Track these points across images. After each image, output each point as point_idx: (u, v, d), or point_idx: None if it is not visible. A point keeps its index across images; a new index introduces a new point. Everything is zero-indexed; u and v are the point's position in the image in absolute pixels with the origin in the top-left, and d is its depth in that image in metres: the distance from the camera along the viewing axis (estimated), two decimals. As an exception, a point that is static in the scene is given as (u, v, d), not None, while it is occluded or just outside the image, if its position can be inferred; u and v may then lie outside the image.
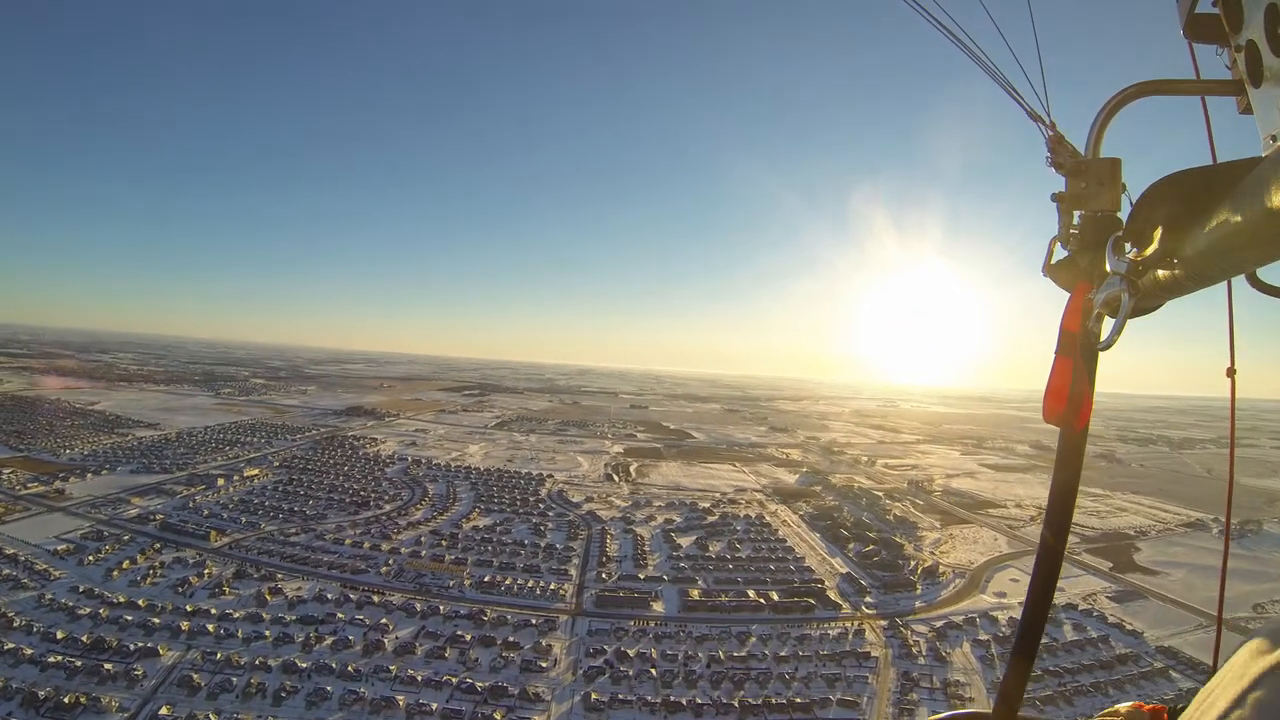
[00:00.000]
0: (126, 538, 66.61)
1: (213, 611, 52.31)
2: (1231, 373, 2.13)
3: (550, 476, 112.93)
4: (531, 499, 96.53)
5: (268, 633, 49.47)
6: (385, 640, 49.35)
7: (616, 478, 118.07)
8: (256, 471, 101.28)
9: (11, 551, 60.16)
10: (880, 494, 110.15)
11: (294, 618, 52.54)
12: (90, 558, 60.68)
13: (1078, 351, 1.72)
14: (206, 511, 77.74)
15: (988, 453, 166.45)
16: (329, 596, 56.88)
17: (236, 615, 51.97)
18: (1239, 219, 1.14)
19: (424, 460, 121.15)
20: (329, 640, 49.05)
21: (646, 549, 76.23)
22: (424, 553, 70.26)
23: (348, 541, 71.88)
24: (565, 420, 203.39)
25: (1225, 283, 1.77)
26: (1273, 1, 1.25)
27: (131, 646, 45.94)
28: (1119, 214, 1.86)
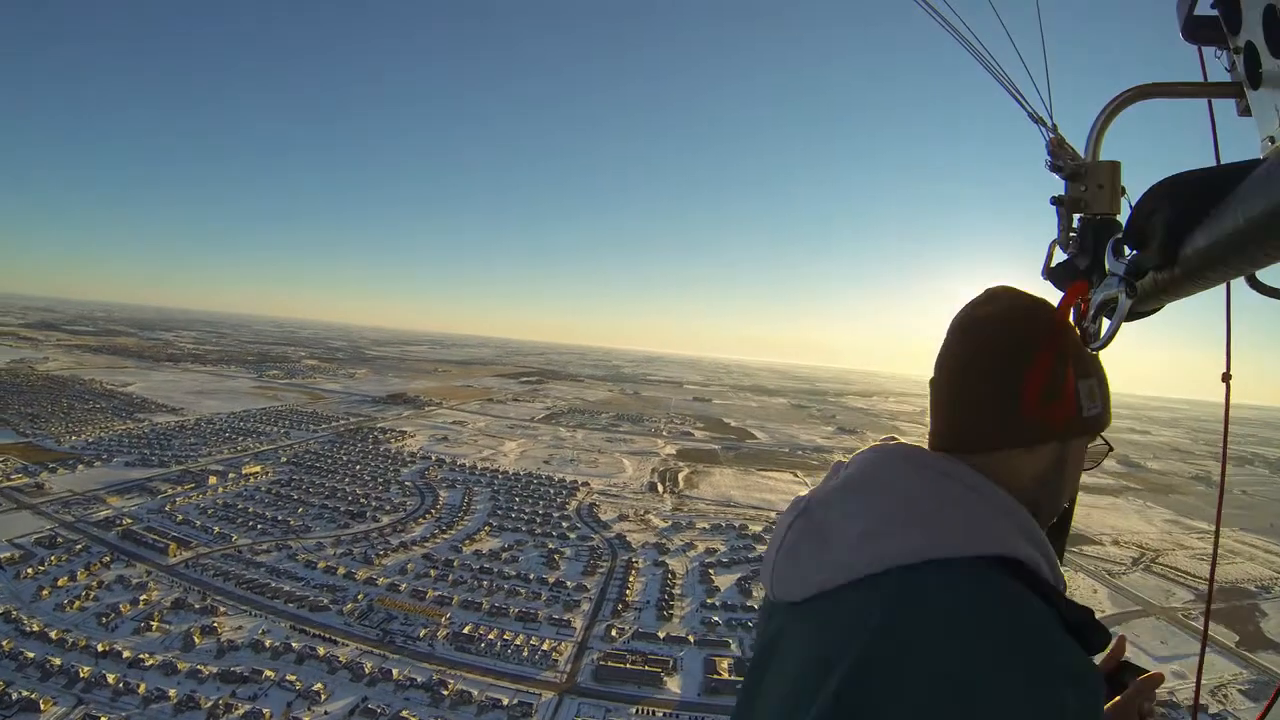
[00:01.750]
0: (80, 546, 66.39)
1: (126, 655, 48.95)
2: (1227, 377, 2.26)
3: (585, 484, 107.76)
4: (555, 515, 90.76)
5: (173, 691, 44.97)
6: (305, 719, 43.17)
7: (661, 488, 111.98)
8: (257, 469, 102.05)
9: (-49, 557, 60.94)
10: None
11: (214, 671, 47.94)
12: (30, 570, 60.32)
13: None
14: (180, 517, 77.29)
15: None
16: (268, 644, 52.09)
17: (149, 662, 48.20)
18: (1238, 221, 1.19)
19: (448, 460, 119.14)
20: (241, 710, 43.68)
21: (676, 591, 67.69)
22: (404, 585, 64.72)
23: (321, 565, 67.90)
24: (620, 414, 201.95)
25: (1224, 285, 1.86)
26: (1271, 3, 1.32)
27: (14, 695, 42.96)
28: (1119, 217, 2.05)
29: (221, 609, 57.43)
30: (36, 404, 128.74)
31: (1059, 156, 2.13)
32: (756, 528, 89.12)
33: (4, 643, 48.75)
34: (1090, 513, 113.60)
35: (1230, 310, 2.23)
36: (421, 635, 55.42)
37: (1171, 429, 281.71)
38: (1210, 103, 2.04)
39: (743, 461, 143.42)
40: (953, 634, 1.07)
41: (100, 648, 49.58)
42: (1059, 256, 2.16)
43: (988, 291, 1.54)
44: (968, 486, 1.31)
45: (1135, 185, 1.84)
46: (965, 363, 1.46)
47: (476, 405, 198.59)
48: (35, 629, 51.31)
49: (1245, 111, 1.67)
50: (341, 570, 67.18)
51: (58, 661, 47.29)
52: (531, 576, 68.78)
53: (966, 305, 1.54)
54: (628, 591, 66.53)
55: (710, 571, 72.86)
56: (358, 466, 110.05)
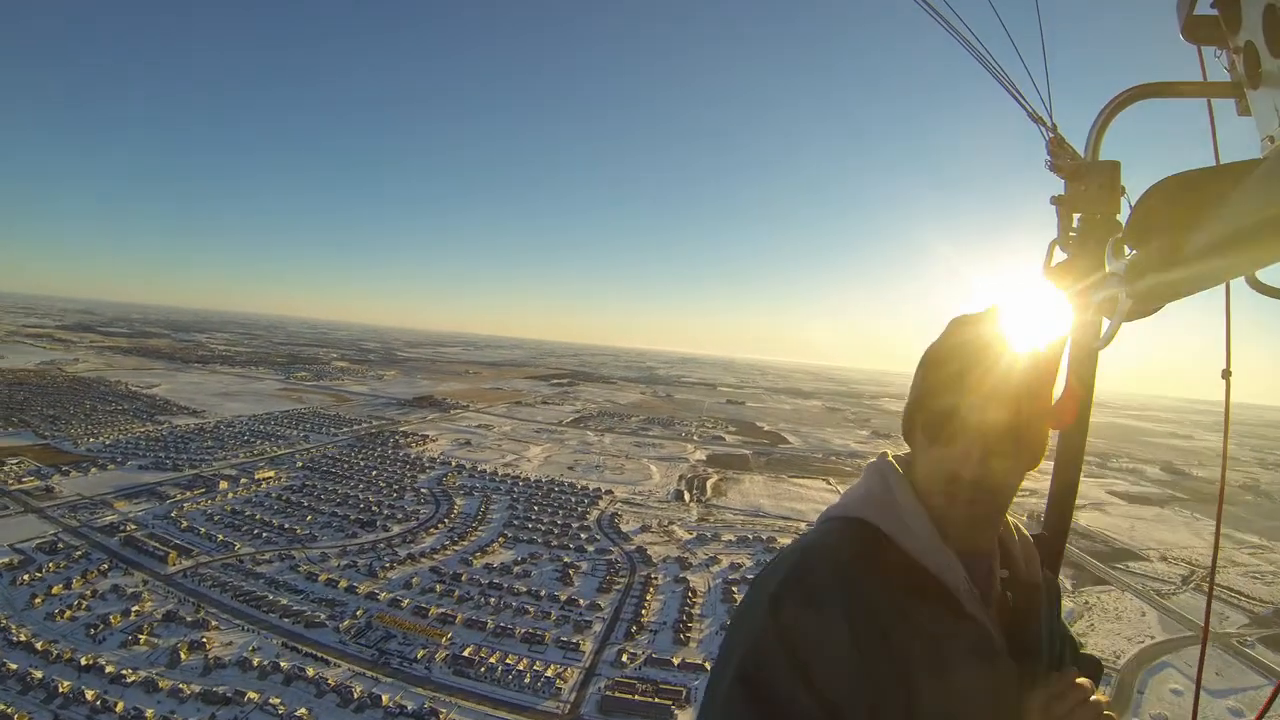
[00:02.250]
0: (79, 553, 67.75)
1: (109, 669, 49.05)
2: (1227, 374, 2.38)
3: (609, 492, 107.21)
4: (574, 525, 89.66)
5: (150, 711, 44.54)
6: (283, 746, 42.02)
7: (688, 496, 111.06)
8: (271, 474, 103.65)
9: (-49, 562, 62.83)
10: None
11: (197, 690, 47.46)
12: (26, 576, 61.68)
13: (1067, 350, 2.04)
14: (185, 524, 78.45)
15: (1114, 475, 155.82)
16: (255, 662, 51.48)
17: (131, 679, 48.09)
18: (1238, 221, 1.26)
19: (468, 466, 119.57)
20: (218, 734, 42.88)
21: (696, 611, 65.58)
22: (407, 601, 63.65)
23: (323, 578, 67.54)
24: (651, 417, 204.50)
25: (1224, 284, 2.02)
26: (1271, 3, 1.38)
27: (-10, 711, 43.19)
28: (1118, 216, 2.21)
29: (213, 623, 57.31)
30: (59, 405, 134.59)
31: (1059, 156, 2.28)
32: (785, 540, 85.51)
33: (-11, 653, 49.47)
34: (1135, 525, 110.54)
35: (1230, 310, 2.30)
36: (419, 656, 54.00)
37: (1215, 433, 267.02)
38: (1210, 102, 2.11)
39: (774, 468, 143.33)
40: (786, 550, 1.66)
41: (84, 661, 49.81)
42: (1059, 256, 2.30)
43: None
44: (873, 469, 1.82)
45: (1135, 185, 1.99)
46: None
47: (504, 408, 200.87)
48: (22, 638, 52.02)
49: (1245, 111, 1.75)
50: (343, 583, 66.63)
51: (39, 674, 47.64)
52: (543, 593, 66.99)
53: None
54: (644, 611, 64.44)
55: (733, 590, 70.22)
56: (374, 472, 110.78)
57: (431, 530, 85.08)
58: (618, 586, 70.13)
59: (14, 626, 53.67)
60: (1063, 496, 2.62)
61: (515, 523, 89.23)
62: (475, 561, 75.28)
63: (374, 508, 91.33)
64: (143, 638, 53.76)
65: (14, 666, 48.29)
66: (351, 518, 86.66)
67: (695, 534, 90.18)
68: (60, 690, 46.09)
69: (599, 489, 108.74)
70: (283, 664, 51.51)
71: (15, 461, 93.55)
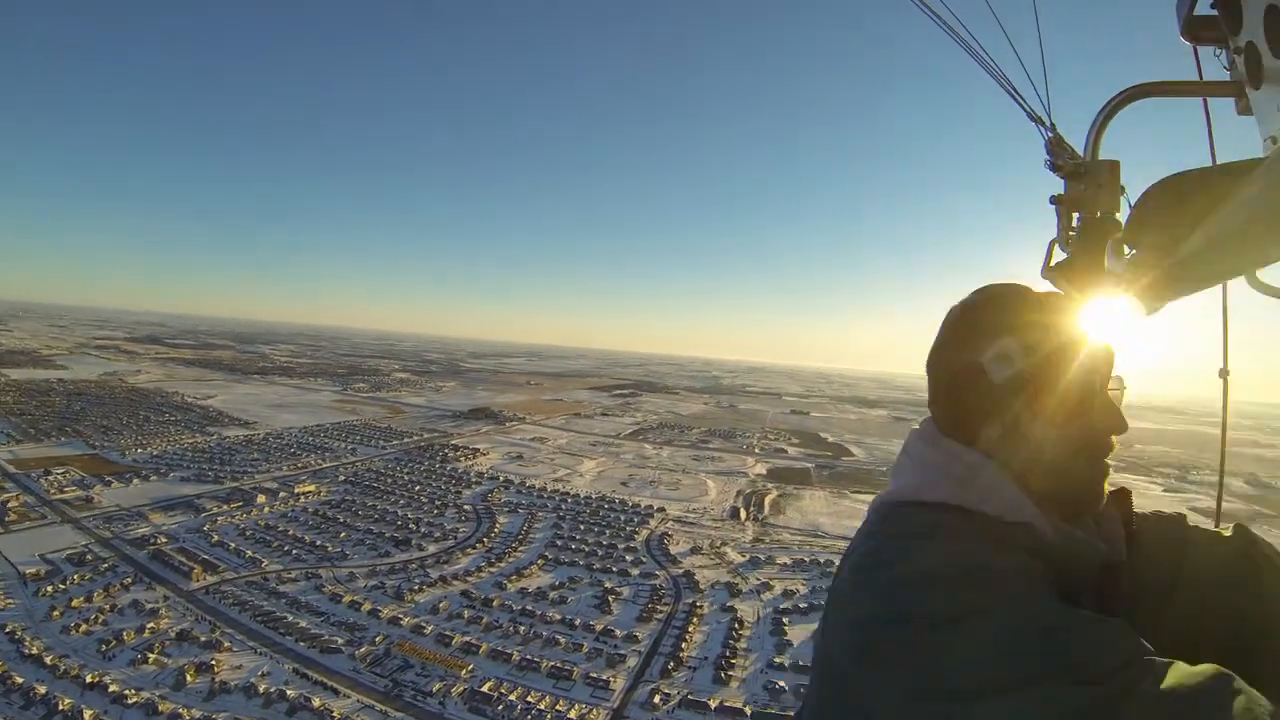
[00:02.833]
0: (106, 565, 70.30)
1: (113, 689, 49.67)
2: (1224, 373, 2.47)
3: (661, 510, 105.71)
4: (620, 546, 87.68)
5: (144, 738, 44.43)
6: (272, 786, 40.71)
7: (744, 514, 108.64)
8: (312, 488, 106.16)
9: (-18, 570, 66.30)
10: None
11: (196, 716, 47.21)
12: (50, 587, 64.22)
13: None
14: (216, 538, 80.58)
15: (1195, 490, 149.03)
16: (262, 689, 51.01)
17: (133, 700, 48.48)
18: (1238, 220, 1.33)
19: (516, 481, 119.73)
20: (209, 767, 42.11)
21: (742, 645, 62.12)
22: (431, 628, 62.30)
23: (346, 599, 67.30)
24: (712, 429, 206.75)
25: (1224, 285, 2.15)
26: (1272, 3, 1.44)
27: (-12, 728, 44.19)
28: (1118, 216, 2.29)
29: (226, 644, 57.54)
30: (114, 416, 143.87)
31: (1058, 156, 2.38)
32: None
33: (-1, 666, 51.16)
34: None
35: (1228, 309, 2.40)
36: (435, 690, 52.13)
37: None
38: (1209, 102, 2.23)
39: (836, 482, 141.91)
40: (876, 539, 1.63)
41: (90, 678, 50.68)
42: (1058, 256, 2.41)
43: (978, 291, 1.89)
44: (926, 441, 1.84)
45: (1135, 185, 2.13)
46: (952, 356, 1.85)
47: (561, 420, 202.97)
48: (34, 651, 53.63)
49: (1245, 111, 1.83)
50: (367, 606, 66.08)
51: (43, 690, 48.73)
52: (577, 622, 64.52)
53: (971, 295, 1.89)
54: (685, 644, 61.43)
55: (784, 621, 66.62)
56: (417, 487, 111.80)
57: (468, 550, 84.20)
58: (659, 615, 67.42)
59: (28, 639, 55.52)
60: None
61: (558, 543, 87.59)
62: (510, 585, 73.54)
63: (411, 525, 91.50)
64: (152, 656, 54.41)
65: (20, 680, 49.64)
66: (386, 535, 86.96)
67: (748, 556, 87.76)
68: (60, 708, 46.86)
69: (651, 506, 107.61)
70: (289, 692, 50.74)
71: (61, 471, 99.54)
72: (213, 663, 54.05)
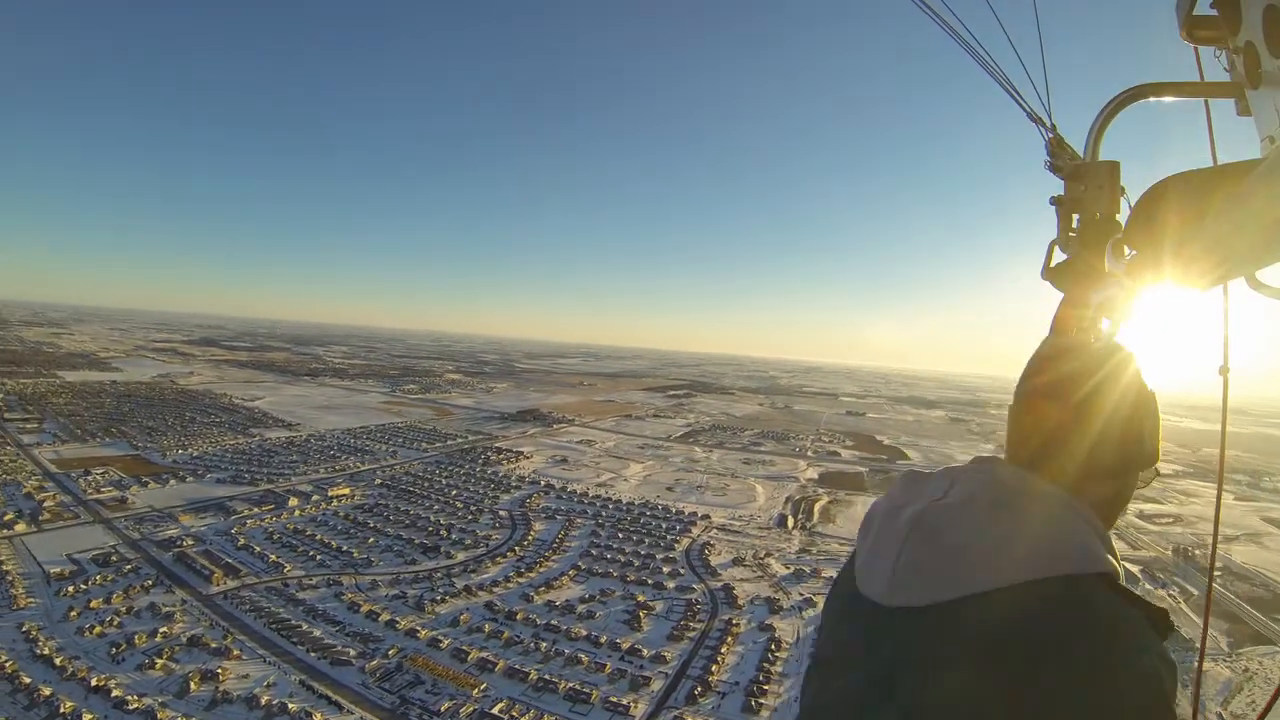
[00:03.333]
0: (129, 567, 73.00)
1: (116, 693, 50.90)
2: (1224, 371, 2.58)
3: (706, 517, 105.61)
4: (659, 556, 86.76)
5: (138, 748, 45.16)
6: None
7: (791, 522, 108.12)
8: (346, 491, 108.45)
9: (9, 566, 70.09)
10: (1135, 570, 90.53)
11: (192, 728, 47.77)
12: (72, 588, 67.03)
13: None
14: (242, 541, 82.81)
15: (1270, 499, 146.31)
16: (264, 700, 51.32)
17: (133, 706, 49.51)
18: (1238, 221, 1.41)
19: (558, 486, 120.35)
20: (197, 781, 42.33)
21: (777, 669, 60.01)
22: (448, 642, 61.79)
23: (365, 608, 67.69)
24: (765, 430, 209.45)
25: (1224, 285, 2.21)
26: (1271, 3, 1.54)
27: (-11, 730, 45.83)
28: (1118, 217, 2.42)
29: (236, 652, 58.44)
30: (160, 417, 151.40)
31: (1058, 156, 2.53)
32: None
33: (9, 664, 53.28)
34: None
35: (1227, 309, 2.49)
36: (443, 709, 51.30)
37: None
38: (1209, 102, 2.34)
39: (890, 488, 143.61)
40: (1106, 628, 1.66)
41: (95, 682, 52.12)
42: (1058, 256, 2.54)
43: (1076, 343, 2.10)
44: (1077, 513, 1.91)
45: (1135, 185, 2.24)
46: (1098, 408, 1.99)
47: (611, 422, 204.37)
48: (46, 651, 55.70)
49: (1245, 111, 1.91)
50: (385, 616, 66.25)
51: (47, 691, 50.38)
52: (603, 639, 62.98)
53: (1058, 348, 2.08)
54: (716, 666, 59.48)
55: None
56: (454, 491, 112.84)
57: (499, 559, 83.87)
58: (691, 633, 65.56)
59: (43, 639, 57.78)
60: None
61: (594, 552, 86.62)
62: (537, 597, 72.60)
63: (443, 531, 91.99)
64: (160, 662, 55.67)
65: (28, 680, 51.53)
66: (415, 542, 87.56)
67: (793, 569, 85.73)
68: (61, 710, 48.22)
69: (695, 513, 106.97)
70: (291, 706, 50.90)
71: (101, 471, 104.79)
72: (219, 671, 54.83)
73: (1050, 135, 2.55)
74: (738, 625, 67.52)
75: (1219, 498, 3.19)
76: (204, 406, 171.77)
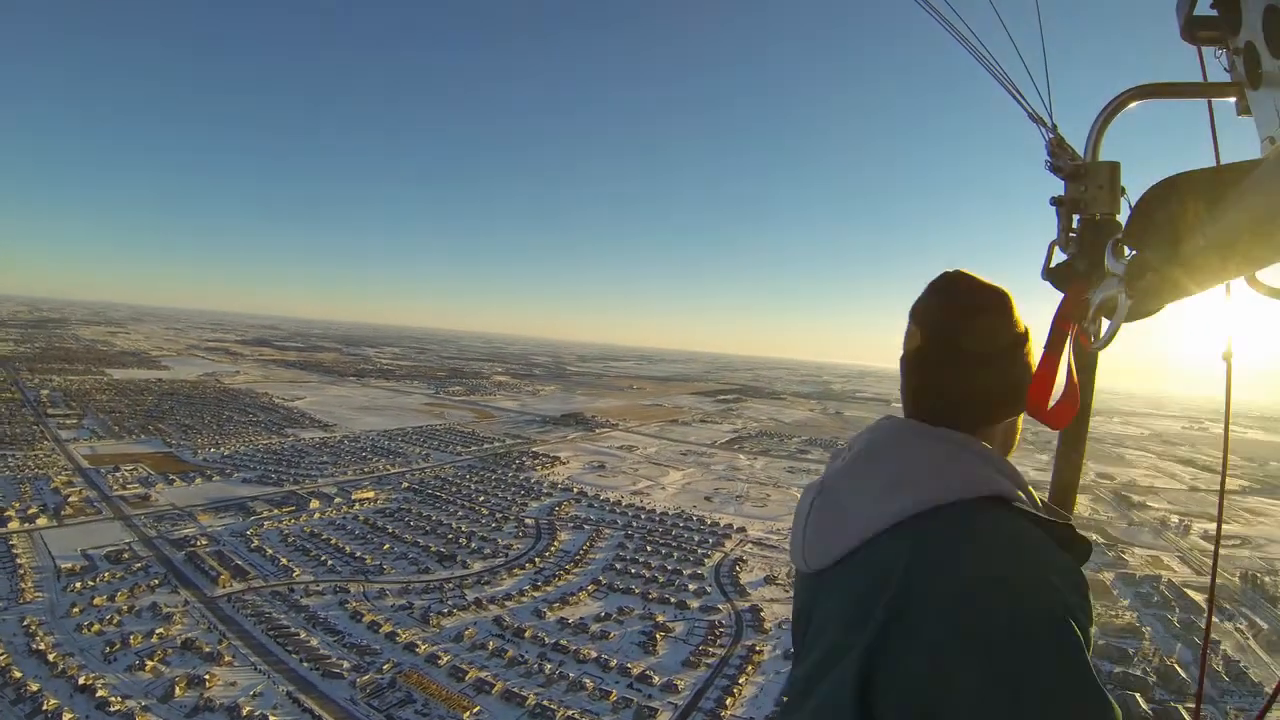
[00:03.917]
0: (139, 565, 75.12)
1: (101, 693, 51.99)
2: (1228, 356, 2.56)
3: (741, 530, 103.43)
4: (686, 572, 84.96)
5: (111, 754, 45.67)
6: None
7: None
8: (370, 494, 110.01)
9: (23, 560, 73.08)
10: (1200, 599, 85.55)
11: (171, 734, 48.15)
12: (79, 583, 69.30)
13: (1069, 350, 2.34)
14: (256, 543, 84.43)
15: None
16: (245, 710, 51.48)
17: (115, 708, 50.39)
18: (1238, 221, 1.45)
19: (590, 494, 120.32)
20: (163, 793, 42.42)
21: None
22: (446, 659, 61.11)
23: (368, 618, 67.75)
24: (813, 438, 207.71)
25: (1224, 285, 2.21)
26: (1271, 3, 1.55)
27: (-29, 726, 47.16)
28: (1118, 217, 2.54)
29: (228, 657, 59.05)
30: (198, 415, 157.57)
31: (1059, 157, 2.61)
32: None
33: (3, 658, 55.18)
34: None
35: (1229, 310, 2.50)
36: (429, 731, 50.49)
37: None
38: (1210, 103, 2.34)
39: None
40: (977, 545, 1.77)
41: (83, 680, 53.33)
42: (1059, 257, 2.64)
43: (958, 279, 2.28)
44: (961, 446, 2.05)
45: (1135, 185, 2.32)
46: (968, 353, 2.20)
47: (656, 427, 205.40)
48: (42, 647, 57.43)
49: (1245, 111, 1.96)
50: (387, 628, 66.09)
51: (35, 687, 51.86)
52: (613, 663, 61.26)
53: (943, 293, 2.28)
54: (731, 699, 56.81)
55: None
56: (481, 497, 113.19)
57: (516, 571, 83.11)
58: (710, 660, 63.22)
59: (41, 634, 59.64)
60: (1062, 498, 2.93)
61: (618, 566, 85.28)
62: (550, 614, 71.38)
63: (462, 539, 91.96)
64: (150, 664, 56.65)
65: (18, 675, 53.18)
66: (432, 550, 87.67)
67: None
68: (44, 708, 49.41)
69: (731, 525, 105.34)
70: (272, 718, 50.90)
71: (130, 468, 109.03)
72: (206, 677, 55.39)
73: (1051, 135, 2.62)
74: (761, 652, 64.95)
75: (1222, 490, 3.20)
76: (243, 405, 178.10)
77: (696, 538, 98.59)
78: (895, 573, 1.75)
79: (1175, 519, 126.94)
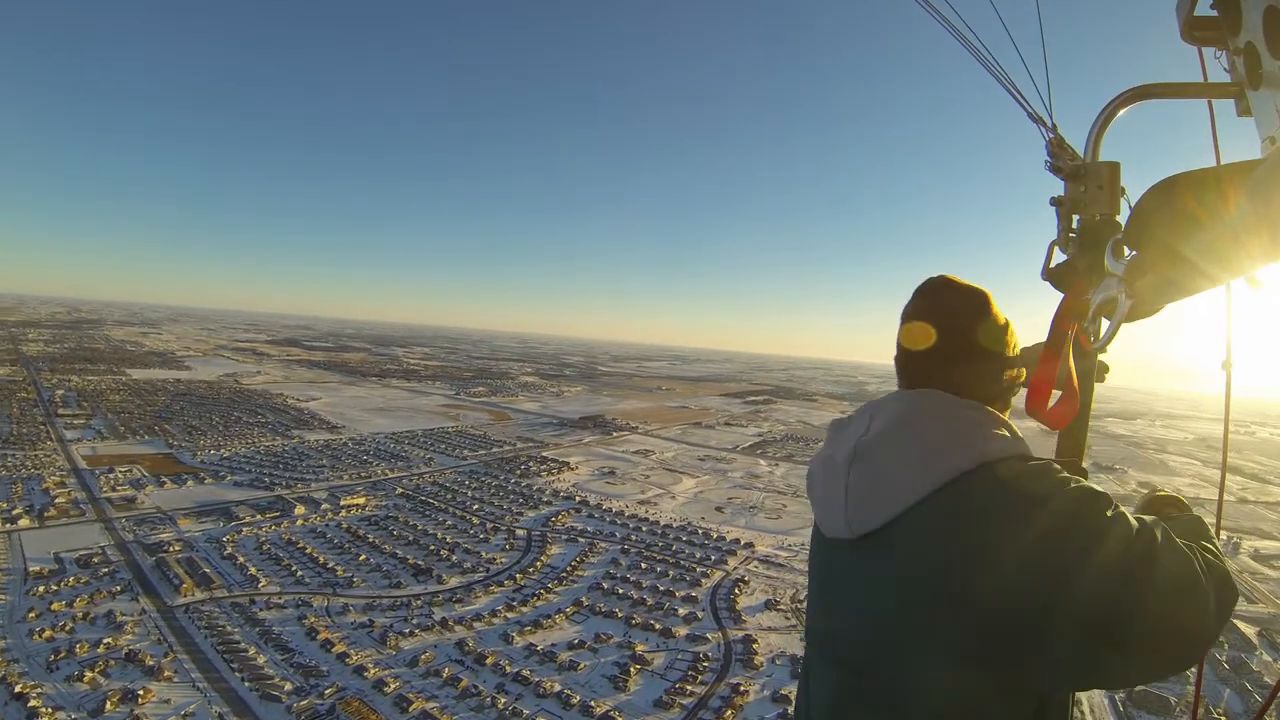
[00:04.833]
0: (106, 571, 75.93)
1: (33, 703, 52.11)
2: (1227, 365, 2.74)
3: (749, 545, 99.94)
4: (680, 593, 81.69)
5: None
6: None
7: None
8: (360, 500, 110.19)
9: (-6, 562, 74.01)
10: (1252, 632, 78.58)
11: (89, 755, 47.81)
12: (43, 587, 70.31)
13: (1068, 350, 2.50)
14: (229, 550, 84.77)
15: None
16: (172, 731, 50.99)
17: (46, 718, 50.25)
18: (1238, 221, 1.52)
19: (593, 502, 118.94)
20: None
21: None
22: (394, 686, 59.66)
23: (323, 634, 66.98)
24: None
25: (1224, 285, 2.35)
26: (1271, 4, 1.62)
27: (-106, 739, 47.46)
28: (1118, 217, 2.59)
29: (168, 672, 58.74)
30: (207, 416, 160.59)
31: (1058, 157, 2.68)
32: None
33: (-55, 667, 55.64)
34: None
35: (1230, 310, 2.65)
36: (356, 763, 49.28)
37: None
38: (1210, 103, 2.46)
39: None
40: (1028, 476, 2.01)
41: (19, 689, 53.77)
42: (1059, 257, 2.73)
43: (952, 282, 2.43)
44: (988, 414, 2.29)
45: (1135, 185, 2.39)
46: (979, 347, 2.38)
47: (678, 430, 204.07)
48: (-14, 656, 57.87)
49: (1245, 112, 2.02)
50: (340, 647, 65.08)
51: (-34, 701, 51.95)
52: (576, 700, 58.54)
53: (948, 294, 2.42)
54: None
55: None
56: (476, 505, 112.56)
57: (494, 587, 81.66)
58: (685, 700, 59.38)
59: (-10, 642, 60.16)
60: None
61: (605, 585, 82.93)
62: (519, 638, 69.49)
63: (444, 551, 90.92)
64: (89, 675, 56.74)
65: (-47, 687, 53.41)
66: (410, 561, 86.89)
67: None
68: (-33, 727, 49.47)
69: (738, 540, 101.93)
70: (198, 742, 50.29)
71: (125, 469, 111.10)
72: (140, 693, 55.16)
73: (1051, 136, 2.65)
74: (746, 692, 61.07)
75: (1221, 490, 3.33)
76: (255, 406, 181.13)
77: (699, 554, 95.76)
78: (958, 520, 1.95)
79: (1224, 535, 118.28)
